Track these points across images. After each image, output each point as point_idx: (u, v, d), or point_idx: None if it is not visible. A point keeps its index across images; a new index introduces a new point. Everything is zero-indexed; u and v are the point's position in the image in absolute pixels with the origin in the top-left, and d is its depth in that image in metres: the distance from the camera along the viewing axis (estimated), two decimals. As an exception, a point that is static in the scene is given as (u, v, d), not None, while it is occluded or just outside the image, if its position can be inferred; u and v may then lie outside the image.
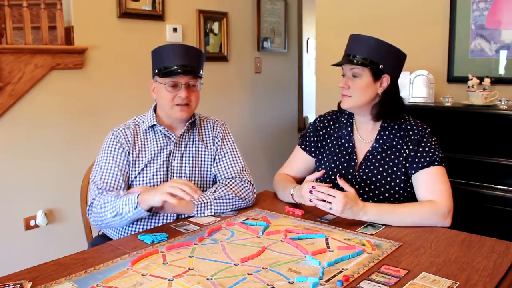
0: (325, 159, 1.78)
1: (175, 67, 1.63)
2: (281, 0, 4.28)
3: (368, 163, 1.68)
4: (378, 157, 1.67)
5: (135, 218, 1.52)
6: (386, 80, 1.64)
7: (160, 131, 1.73)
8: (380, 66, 1.61)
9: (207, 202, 1.63)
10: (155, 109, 1.77)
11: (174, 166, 1.71)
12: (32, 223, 2.72)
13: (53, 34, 2.83)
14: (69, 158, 2.84)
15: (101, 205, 1.55)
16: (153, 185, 1.67)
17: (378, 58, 1.61)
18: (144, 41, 3.17)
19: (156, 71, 1.67)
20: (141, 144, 1.71)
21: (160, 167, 1.69)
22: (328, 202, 1.47)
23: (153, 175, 1.68)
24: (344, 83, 1.65)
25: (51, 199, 2.79)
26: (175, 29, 3.37)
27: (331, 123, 1.83)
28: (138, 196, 1.48)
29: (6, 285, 1.12)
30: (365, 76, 1.62)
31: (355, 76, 1.63)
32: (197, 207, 1.61)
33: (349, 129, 1.76)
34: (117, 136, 1.70)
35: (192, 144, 1.77)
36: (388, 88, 1.64)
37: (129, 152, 1.68)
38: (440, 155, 1.61)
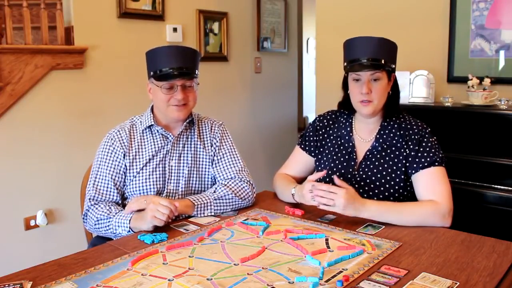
0: (325, 158, 1.78)
1: (170, 70, 1.62)
2: (281, 0, 4.28)
3: (368, 163, 1.68)
4: (378, 156, 1.67)
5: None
6: (393, 78, 1.66)
7: (158, 131, 1.73)
8: (393, 66, 1.62)
9: (207, 203, 1.63)
10: (152, 109, 1.77)
11: (172, 166, 1.71)
12: (32, 223, 2.72)
13: (53, 34, 2.83)
14: (69, 158, 2.84)
15: (95, 221, 1.59)
16: (152, 185, 1.68)
17: (389, 58, 1.62)
18: (144, 41, 3.17)
19: (152, 73, 1.67)
20: (138, 145, 1.71)
21: (158, 167, 1.69)
22: (330, 199, 1.47)
23: (150, 175, 1.68)
24: (367, 88, 1.60)
25: (51, 199, 2.79)
26: (175, 29, 3.37)
27: (331, 122, 1.83)
28: (129, 221, 1.52)
29: (6, 285, 1.12)
30: (383, 78, 1.62)
31: (376, 80, 1.61)
32: (197, 207, 1.61)
33: (348, 128, 1.76)
34: (110, 139, 1.70)
35: (190, 144, 1.77)
36: (393, 85, 1.68)
37: (124, 155, 1.69)
38: (440, 155, 1.61)
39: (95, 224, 1.59)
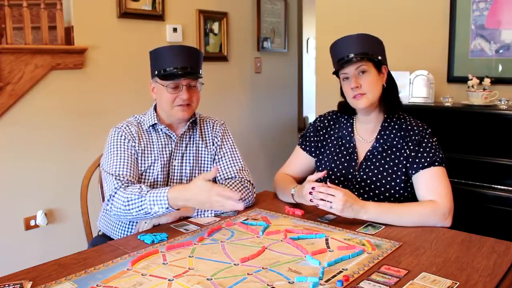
0: (326, 159, 1.78)
1: (175, 70, 1.63)
2: (281, 0, 4.28)
3: (369, 163, 1.68)
4: (379, 157, 1.67)
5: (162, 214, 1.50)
6: (385, 70, 1.66)
7: (161, 130, 1.73)
8: (379, 57, 1.63)
9: (208, 204, 1.62)
10: (155, 108, 1.77)
11: (174, 166, 1.71)
12: (32, 223, 2.72)
13: (53, 34, 2.84)
14: (69, 158, 2.84)
15: (124, 202, 1.49)
16: (155, 185, 1.67)
17: (373, 51, 1.63)
18: (144, 41, 3.17)
19: (156, 72, 1.67)
20: (146, 142, 1.71)
21: (162, 167, 1.69)
22: (328, 201, 1.47)
23: (157, 174, 1.68)
24: (355, 82, 1.61)
25: (51, 199, 2.79)
26: (175, 29, 3.37)
27: (331, 123, 1.83)
28: (167, 197, 1.43)
29: (6, 285, 1.12)
30: (371, 70, 1.62)
31: (364, 72, 1.62)
32: (197, 209, 1.61)
33: (349, 129, 1.76)
34: (122, 131, 1.68)
35: (193, 144, 1.77)
36: (387, 79, 1.68)
37: (134, 148, 1.68)
38: (440, 155, 1.61)
39: (125, 206, 1.49)
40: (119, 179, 1.56)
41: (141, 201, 1.46)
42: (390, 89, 1.69)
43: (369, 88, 1.62)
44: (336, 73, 1.68)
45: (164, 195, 1.43)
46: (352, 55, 1.60)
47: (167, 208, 1.44)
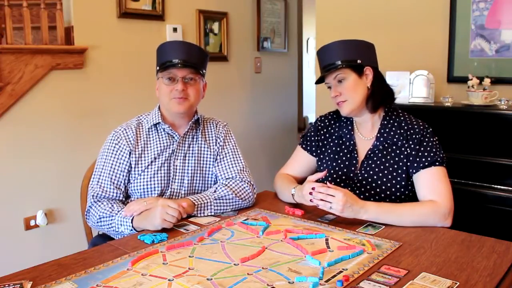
0: (327, 158, 1.79)
1: (173, 61, 1.64)
2: (281, 0, 4.28)
3: (370, 161, 1.68)
4: (379, 155, 1.68)
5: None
6: (369, 71, 1.67)
7: (164, 130, 1.74)
8: (358, 61, 1.64)
9: (207, 202, 1.63)
10: (160, 108, 1.77)
11: (176, 166, 1.72)
12: (32, 223, 2.72)
13: (53, 34, 2.83)
14: (69, 158, 2.84)
15: (97, 218, 1.59)
16: (156, 184, 1.68)
17: (352, 55, 1.64)
18: (144, 41, 3.17)
19: (158, 68, 1.70)
20: (144, 143, 1.71)
21: (163, 166, 1.70)
22: (328, 202, 1.47)
23: (155, 174, 1.68)
24: (334, 92, 1.67)
25: (51, 199, 2.79)
26: (175, 29, 3.37)
27: (332, 122, 1.83)
28: (132, 220, 1.52)
29: (6, 285, 1.12)
30: (349, 76, 1.64)
31: (341, 80, 1.65)
32: (197, 207, 1.61)
33: (349, 127, 1.77)
34: (117, 137, 1.70)
35: (195, 144, 1.77)
36: (374, 79, 1.67)
37: (130, 152, 1.69)
38: (441, 155, 1.61)
39: (97, 222, 1.59)
40: (94, 194, 1.64)
41: (111, 220, 1.56)
42: (377, 89, 1.68)
43: (348, 95, 1.65)
44: (319, 81, 1.74)
45: (129, 220, 1.52)
46: (328, 65, 1.65)
47: (131, 230, 1.51)
